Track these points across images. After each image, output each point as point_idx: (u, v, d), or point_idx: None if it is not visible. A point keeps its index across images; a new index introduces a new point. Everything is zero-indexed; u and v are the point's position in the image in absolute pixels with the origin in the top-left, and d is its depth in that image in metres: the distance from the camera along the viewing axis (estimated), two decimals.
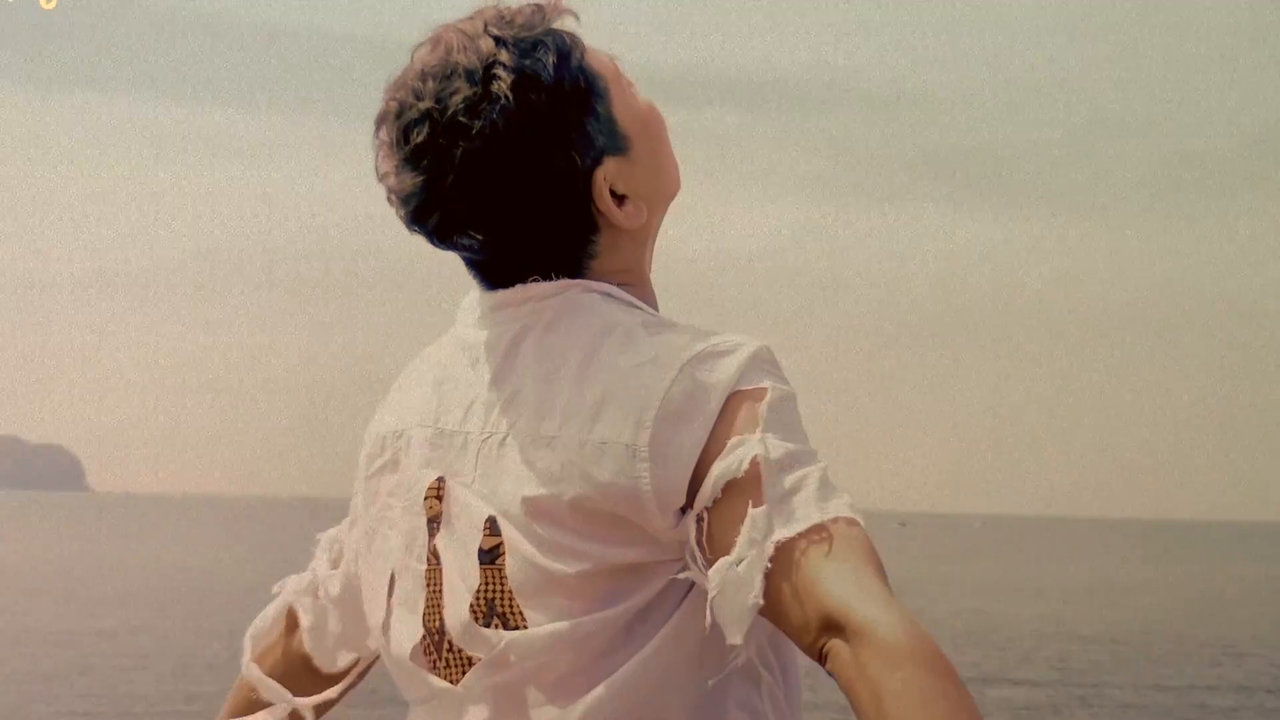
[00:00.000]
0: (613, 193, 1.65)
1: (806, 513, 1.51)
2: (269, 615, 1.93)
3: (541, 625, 1.59)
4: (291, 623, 1.93)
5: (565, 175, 1.62)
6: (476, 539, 1.62)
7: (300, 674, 1.93)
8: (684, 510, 1.56)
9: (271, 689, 1.91)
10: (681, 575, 1.58)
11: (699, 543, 1.55)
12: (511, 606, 1.61)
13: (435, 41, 1.63)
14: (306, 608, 1.90)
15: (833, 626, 1.46)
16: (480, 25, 1.63)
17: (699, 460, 1.55)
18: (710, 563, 1.54)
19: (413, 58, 1.63)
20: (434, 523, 1.67)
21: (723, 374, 1.57)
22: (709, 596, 1.53)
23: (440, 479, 1.66)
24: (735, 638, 1.52)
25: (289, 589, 1.92)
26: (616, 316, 1.62)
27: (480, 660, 1.63)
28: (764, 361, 1.59)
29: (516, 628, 1.61)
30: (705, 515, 1.54)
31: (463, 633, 1.63)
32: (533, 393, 1.62)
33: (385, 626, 1.71)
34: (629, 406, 1.57)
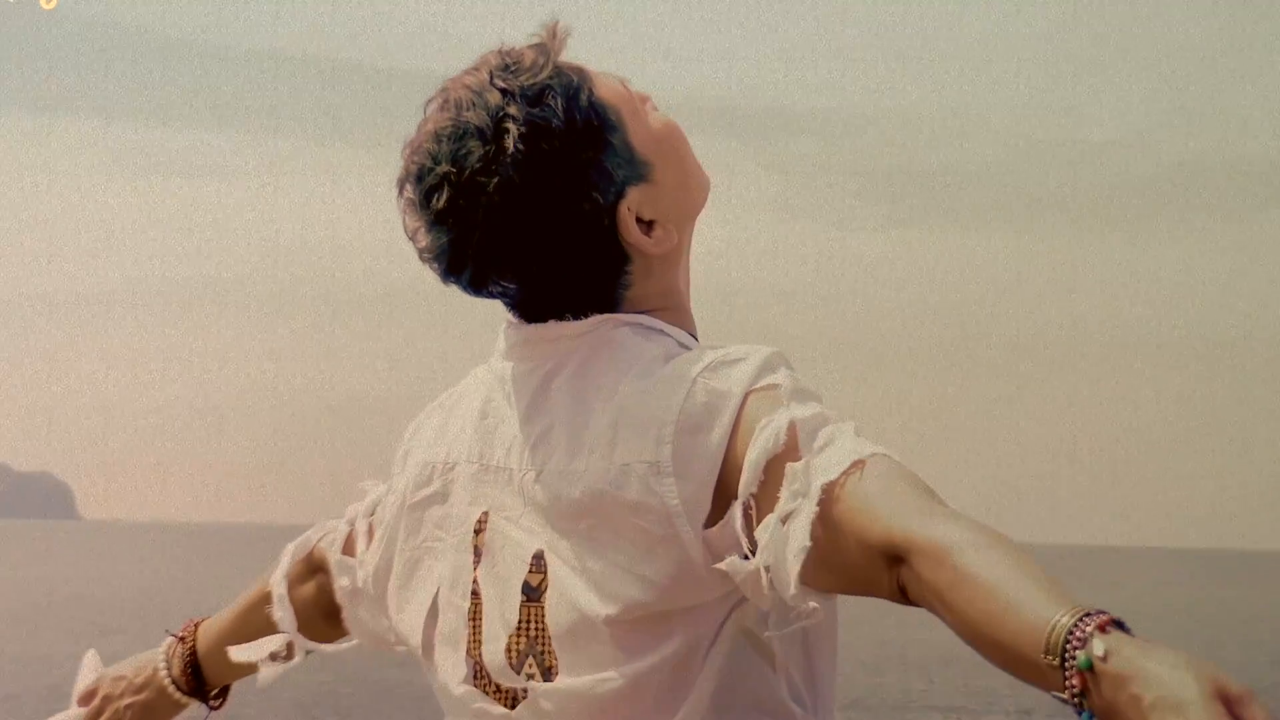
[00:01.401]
0: (639, 219, 1.66)
1: (845, 455, 1.50)
2: (311, 540, 1.95)
3: (577, 676, 1.61)
4: (314, 565, 1.95)
5: (589, 215, 1.63)
6: (521, 574, 1.64)
7: (310, 612, 1.95)
8: (710, 526, 1.56)
9: (286, 615, 1.94)
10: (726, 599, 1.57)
11: (746, 533, 1.53)
12: (548, 647, 1.62)
13: (445, 100, 1.65)
14: (347, 570, 1.88)
15: (898, 556, 1.44)
16: (486, 77, 1.64)
17: (723, 464, 1.55)
18: (753, 549, 1.53)
19: (425, 115, 1.66)
20: (476, 559, 1.68)
21: (736, 379, 1.58)
22: (758, 561, 1.51)
23: (484, 514, 1.68)
24: (789, 589, 1.50)
25: (327, 535, 1.93)
26: (644, 350, 1.63)
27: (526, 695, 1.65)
28: (777, 363, 1.60)
29: (550, 669, 1.63)
30: (751, 503, 1.53)
31: (499, 672, 1.65)
32: (564, 430, 1.63)
33: (429, 655, 1.72)
34: (647, 426, 1.58)
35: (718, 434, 1.56)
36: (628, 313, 1.67)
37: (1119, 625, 1.31)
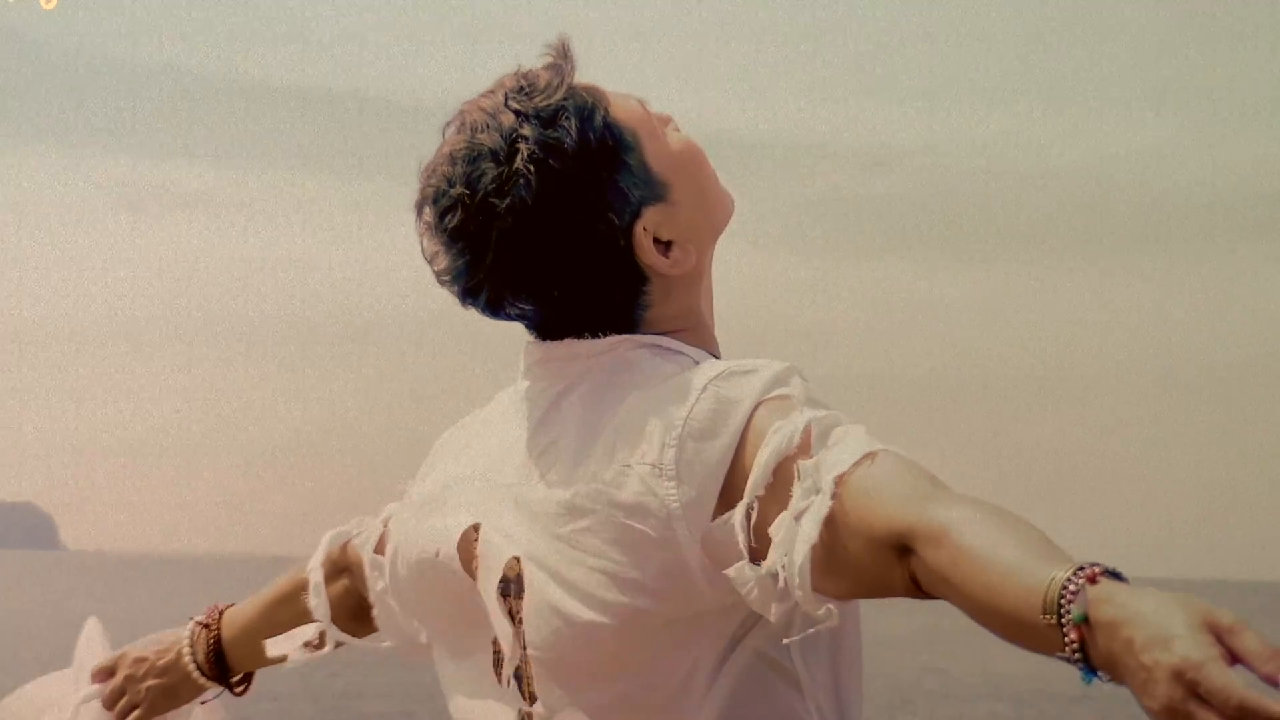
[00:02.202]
0: (657, 240, 1.65)
1: (856, 449, 1.49)
2: (348, 534, 1.94)
3: (561, 689, 1.59)
4: (342, 564, 1.95)
5: (604, 236, 1.62)
6: (495, 579, 1.62)
7: (337, 609, 1.95)
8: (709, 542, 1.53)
9: (321, 604, 1.94)
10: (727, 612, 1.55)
11: (745, 533, 1.51)
12: (527, 669, 1.62)
13: (461, 122, 1.65)
14: (380, 569, 1.86)
15: (905, 545, 1.43)
16: (501, 99, 1.64)
17: (729, 471, 1.53)
18: (758, 554, 1.50)
19: (443, 137, 1.66)
20: (473, 574, 1.67)
21: (747, 389, 1.56)
22: (770, 562, 1.48)
23: (475, 525, 1.66)
24: (803, 584, 1.47)
25: (362, 534, 1.91)
26: (661, 369, 1.61)
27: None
28: (789, 375, 1.58)
29: (528, 681, 1.62)
30: (755, 505, 1.51)
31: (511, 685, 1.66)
32: (571, 444, 1.61)
33: (438, 656, 1.74)
34: (652, 430, 1.56)
35: (725, 440, 1.53)
36: (647, 333, 1.66)
37: (1112, 575, 1.30)
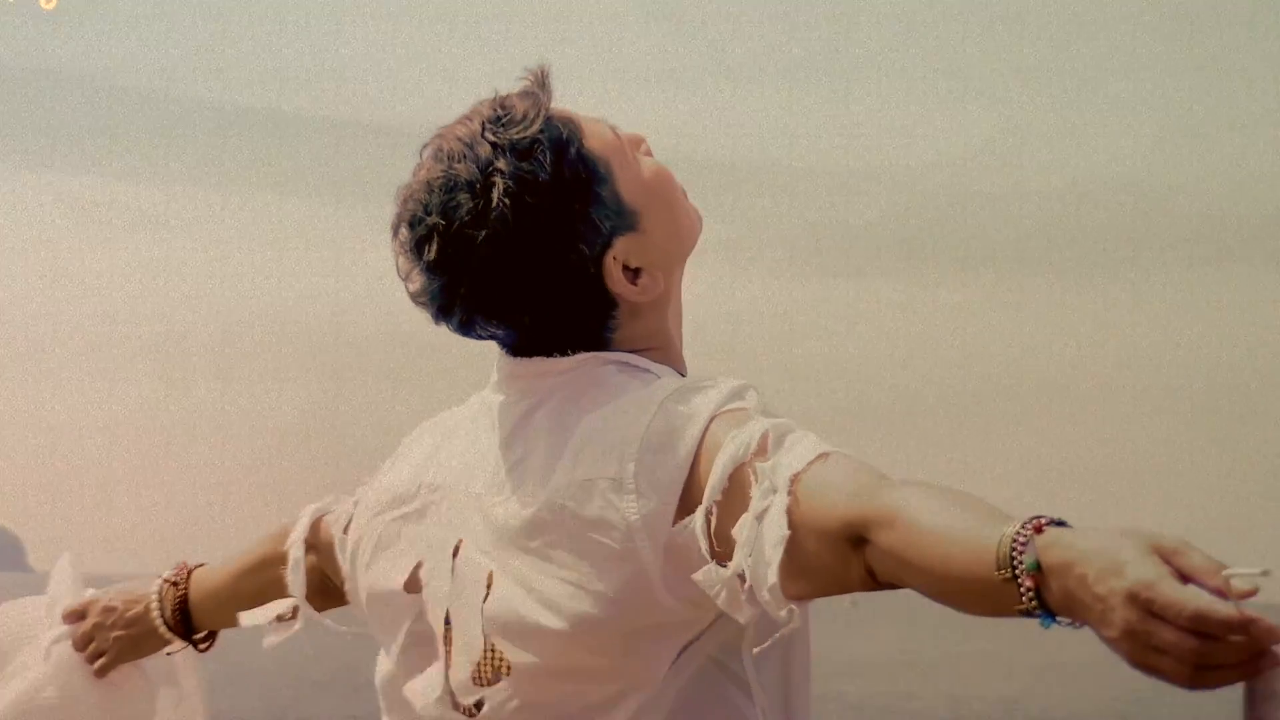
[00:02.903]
0: (627, 267, 1.70)
1: (809, 451, 1.53)
2: (326, 509, 1.97)
3: (525, 695, 1.64)
4: (310, 541, 1.97)
5: (576, 266, 1.67)
6: (480, 596, 1.66)
7: (308, 581, 1.97)
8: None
9: (298, 579, 1.96)
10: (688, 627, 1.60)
11: (706, 538, 1.55)
12: (499, 661, 1.66)
13: (438, 149, 1.69)
14: (344, 553, 1.88)
15: (859, 535, 1.47)
16: (478, 129, 1.68)
17: (686, 482, 1.57)
18: (720, 556, 1.54)
19: (420, 160, 1.70)
20: (451, 585, 1.70)
21: (702, 404, 1.61)
22: (735, 564, 1.52)
23: (460, 541, 1.70)
24: (770, 580, 1.50)
25: (334, 513, 1.94)
26: (627, 386, 1.66)
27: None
28: (745, 390, 1.63)
29: (500, 678, 1.66)
30: (714, 509, 1.55)
31: (462, 690, 1.69)
32: (539, 460, 1.66)
33: (400, 666, 1.76)
34: (611, 445, 1.60)
35: (682, 453, 1.58)
36: (616, 352, 1.71)
37: (1057, 524, 1.34)
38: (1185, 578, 1.25)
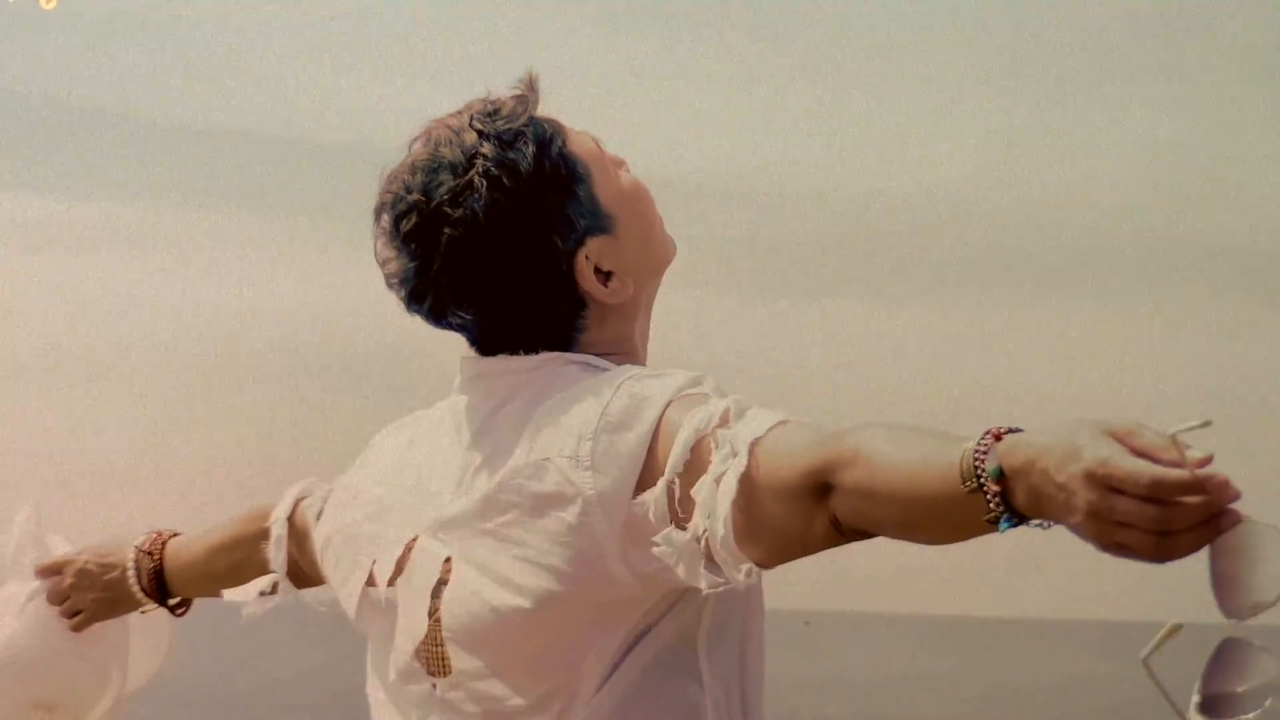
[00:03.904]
0: (598, 270, 1.73)
1: (769, 418, 1.56)
2: (308, 491, 1.99)
3: (474, 677, 1.67)
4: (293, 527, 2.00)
5: (548, 258, 1.71)
6: (433, 580, 1.69)
7: (294, 562, 2.01)
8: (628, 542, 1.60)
9: (280, 557, 1.99)
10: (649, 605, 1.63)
11: (669, 511, 1.57)
12: (443, 656, 1.69)
13: (426, 136, 1.74)
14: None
15: (822, 482, 1.49)
16: (466, 120, 1.73)
17: (645, 461, 1.60)
18: (681, 524, 1.56)
19: (408, 151, 1.75)
20: (397, 574, 1.74)
21: (660, 387, 1.64)
22: (694, 526, 1.54)
23: (414, 538, 1.73)
24: (720, 531, 1.52)
25: (310, 498, 1.97)
26: (590, 384, 1.67)
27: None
28: (702, 379, 1.65)
29: (446, 666, 1.69)
30: (676, 482, 1.57)
31: (406, 675, 1.73)
32: (502, 458, 1.68)
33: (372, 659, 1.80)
34: (569, 426, 1.63)
35: (639, 432, 1.60)
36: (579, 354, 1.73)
37: (1014, 432, 1.38)
38: (1140, 456, 1.28)
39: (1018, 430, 1.37)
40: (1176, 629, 1.33)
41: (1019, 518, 1.36)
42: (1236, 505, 1.27)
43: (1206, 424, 1.27)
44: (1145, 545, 1.28)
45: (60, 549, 2.22)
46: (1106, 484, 1.27)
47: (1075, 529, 1.31)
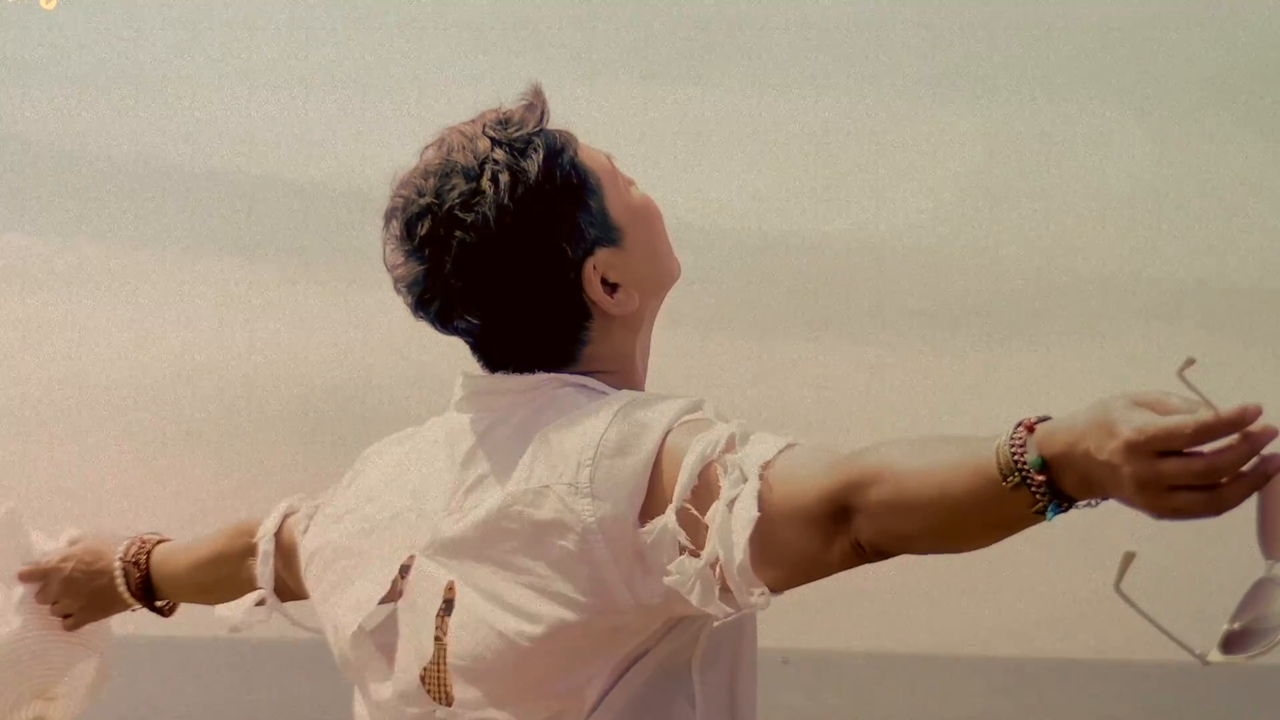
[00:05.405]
0: (605, 281, 1.74)
1: (775, 443, 1.56)
2: (293, 509, 1.98)
3: (472, 706, 1.66)
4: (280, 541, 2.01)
5: (556, 264, 1.72)
6: (436, 604, 1.69)
7: (280, 578, 2.01)
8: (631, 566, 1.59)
9: (266, 572, 2.00)
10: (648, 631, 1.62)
11: (679, 536, 1.56)
12: (446, 682, 1.68)
13: (440, 142, 1.75)
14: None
15: (843, 505, 1.49)
16: (480, 127, 1.75)
17: (647, 488, 1.59)
18: (693, 553, 1.55)
19: (420, 156, 1.76)
20: (398, 597, 1.74)
21: (660, 413, 1.63)
22: (710, 547, 1.53)
23: (411, 557, 1.72)
24: (738, 558, 1.51)
25: (297, 514, 1.96)
26: (586, 407, 1.67)
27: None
28: (701, 404, 1.65)
29: (449, 695, 1.68)
30: (685, 508, 1.56)
31: (411, 698, 1.71)
32: (496, 479, 1.68)
33: (355, 673, 1.79)
34: (568, 451, 1.63)
35: (640, 458, 1.60)
36: (581, 369, 1.74)
37: (1043, 420, 1.38)
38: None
39: (1047, 418, 1.38)
40: (1131, 556, 1.35)
41: (1067, 502, 1.37)
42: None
43: (1190, 361, 1.29)
44: (1198, 503, 1.30)
45: (42, 546, 2.24)
46: (1150, 449, 1.29)
47: (1128, 503, 1.32)
